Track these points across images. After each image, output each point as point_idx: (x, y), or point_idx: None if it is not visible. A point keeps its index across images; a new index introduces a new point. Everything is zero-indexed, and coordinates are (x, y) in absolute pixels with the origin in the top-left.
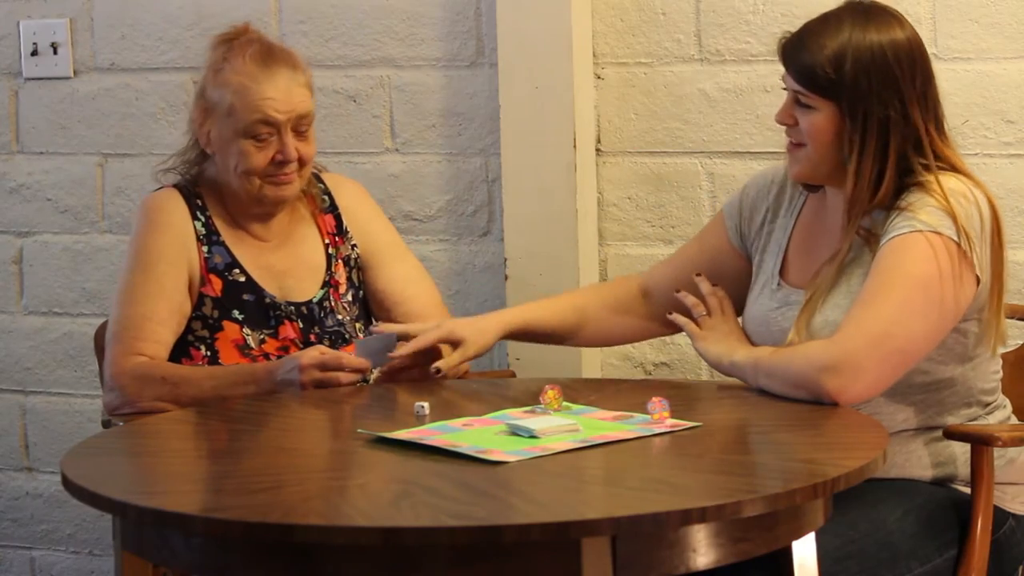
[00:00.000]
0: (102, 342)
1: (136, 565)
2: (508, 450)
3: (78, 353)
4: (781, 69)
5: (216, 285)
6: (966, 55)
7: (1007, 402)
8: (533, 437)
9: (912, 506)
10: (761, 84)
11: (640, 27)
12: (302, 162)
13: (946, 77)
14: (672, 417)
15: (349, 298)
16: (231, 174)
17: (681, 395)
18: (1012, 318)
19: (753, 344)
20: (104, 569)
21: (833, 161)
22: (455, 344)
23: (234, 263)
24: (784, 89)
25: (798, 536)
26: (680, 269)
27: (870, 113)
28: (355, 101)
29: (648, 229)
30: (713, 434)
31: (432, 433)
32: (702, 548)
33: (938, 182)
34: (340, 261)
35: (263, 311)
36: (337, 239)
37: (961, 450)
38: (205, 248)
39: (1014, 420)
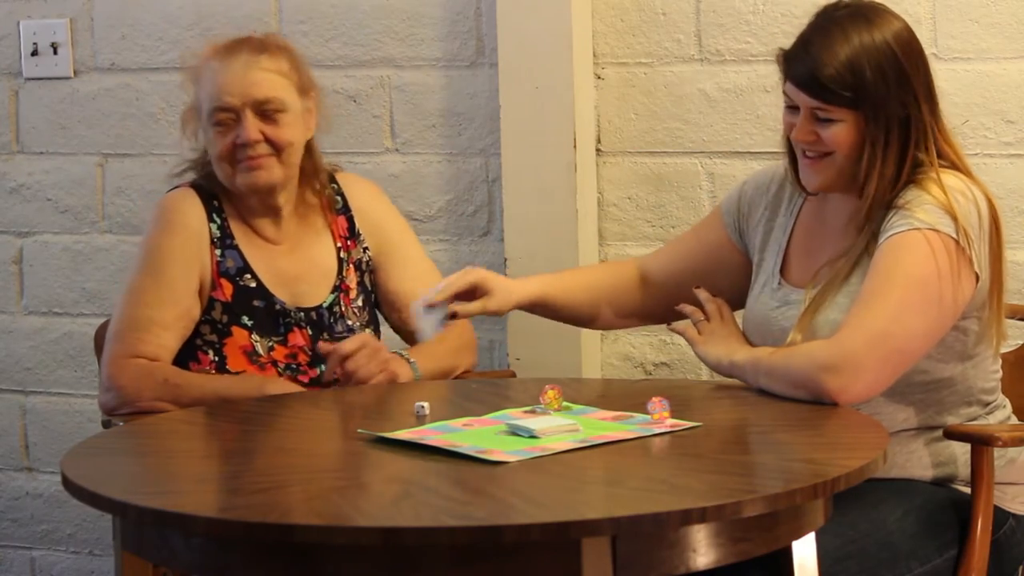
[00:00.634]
0: (102, 342)
1: (136, 565)
2: (508, 450)
3: (78, 353)
4: None
5: (227, 290)
6: (966, 55)
7: (1007, 402)
8: (533, 437)
9: (912, 506)
10: (761, 84)
11: (640, 27)
12: (276, 147)
13: (946, 77)
14: (672, 417)
15: (360, 303)
16: (214, 166)
17: (681, 395)
18: (1012, 318)
19: (753, 345)
20: (104, 569)
21: (856, 167)
22: (481, 293)
23: (246, 268)
24: (790, 106)
25: (798, 536)
26: (678, 260)
27: (891, 114)
28: (355, 101)
29: (648, 229)
30: (713, 434)
31: (432, 433)
32: (702, 548)
33: (938, 179)
34: (351, 265)
35: (273, 318)
36: (349, 242)
37: (961, 450)
38: (218, 251)
39: (1014, 420)
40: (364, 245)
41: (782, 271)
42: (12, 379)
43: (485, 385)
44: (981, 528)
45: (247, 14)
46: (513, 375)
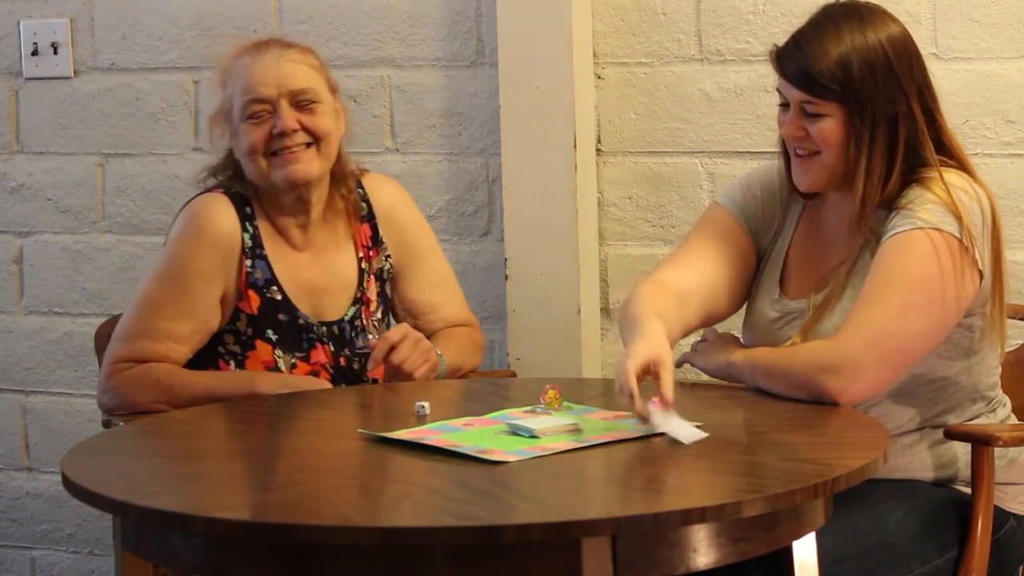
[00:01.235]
0: (102, 342)
1: (136, 565)
2: (508, 450)
3: (78, 353)
4: None
5: (253, 302)
6: (966, 55)
7: (1007, 400)
8: (533, 437)
9: (913, 506)
10: (761, 84)
11: (640, 27)
12: (314, 136)
13: (946, 77)
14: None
15: (379, 315)
16: (246, 164)
17: (681, 395)
18: (1012, 318)
19: None
20: (104, 569)
21: (845, 164)
22: (655, 366)
23: (273, 279)
24: (782, 104)
25: (798, 536)
26: (704, 273)
27: (878, 112)
28: (355, 101)
29: (648, 229)
30: (713, 434)
31: (432, 433)
32: (702, 548)
33: (941, 178)
34: (372, 276)
35: (296, 333)
36: (371, 251)
37: (962, 450)
38: (248, 262)
39: (1014, 419)
40: (386, 253)
41: (781, 283)
42: (12, 379)
43: (485, 385)
44: (982, 528)
45: (247, 14)
46: (513, 375)
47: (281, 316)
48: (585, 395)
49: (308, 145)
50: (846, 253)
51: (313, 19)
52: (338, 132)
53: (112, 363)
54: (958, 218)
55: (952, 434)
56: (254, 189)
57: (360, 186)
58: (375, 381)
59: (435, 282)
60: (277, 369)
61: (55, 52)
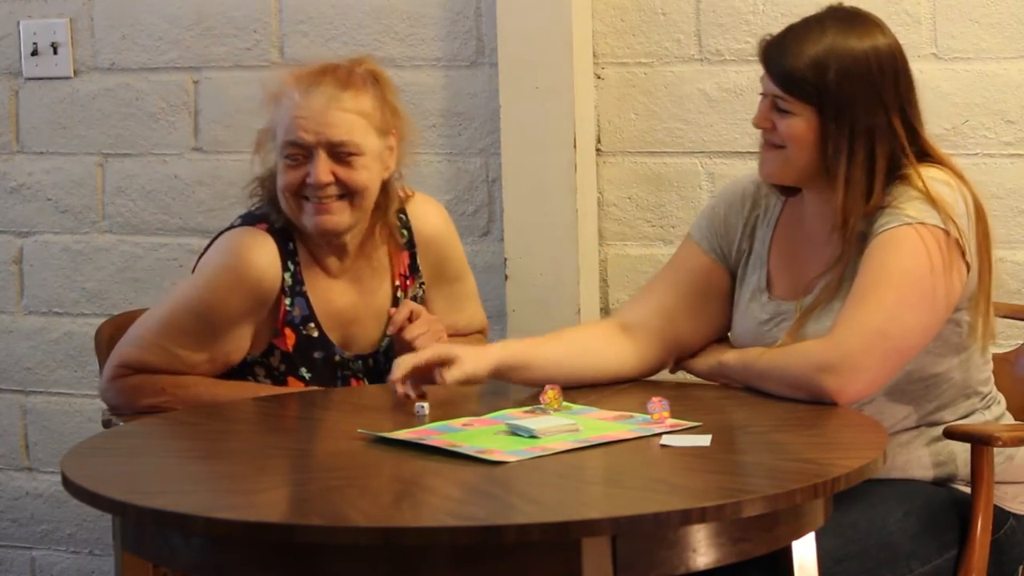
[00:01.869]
0: (102, 342)
1: (136, 565)
2: (508, 450)
3: (78, 353)
4: None
5: (289, 340)
6: (966, 55)
7: (1001, 397)
8: (533, 437)
9: (913, 506)
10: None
11: (640, 27)
12: (349, 190)
13: (946, 77)
14: (672, 417)
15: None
16: (279, 196)
17: (681, 395)
18: (1012, 318)
19: None
20: (104, 569)
21: (811, 165)
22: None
23: (311, 316)
24: (762, 94)
25: (798, 536)
26: (661, 298)
27: (856, 121)
28: None
29: (648, 229)
30: (713, 434)
31: (432, 433)
32: (702, 548)
33: (918, 174)
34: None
35: (331, 369)
36: (408, 280)
37: (961, 449)
38: (287, 300)
39: (1009, 417)
40: (421, 281)
41: (768, 285)
42: (12, 379)
43: (485, 385)
44: (981, 528)
45: (247, 14)
46: None
47: (316, 354)
48: (585, 395)
49: (341, 197)
50: (831, 256)
51: (313, 19)
52: (382, 175)
53: (117, 365)
54: (943, 211)
55: (952, 434)
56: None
57: (403, 210)
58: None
59: (459, 306)
60: None
61: (55, 52)
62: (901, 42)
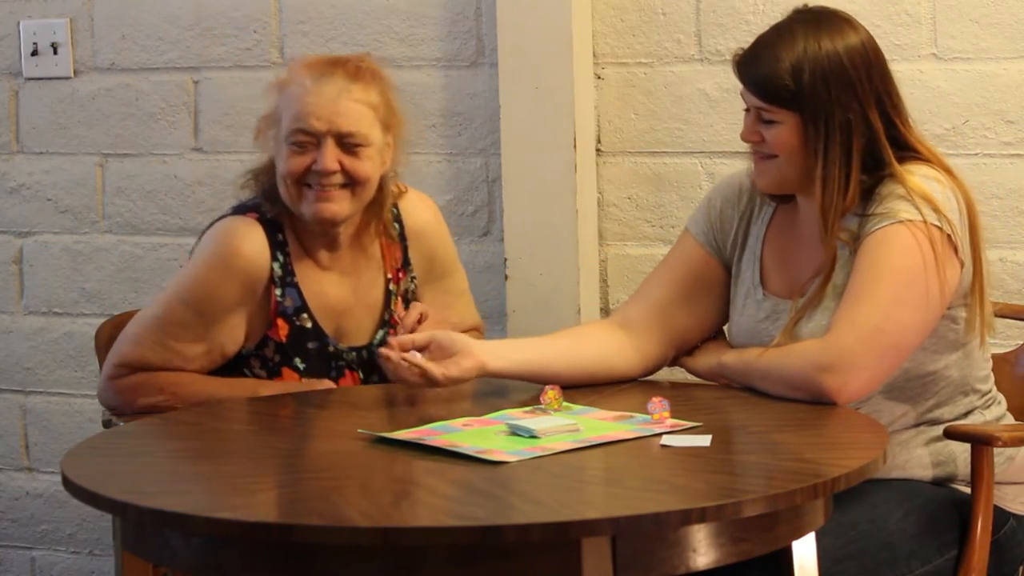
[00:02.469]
0: (102, 342)
1: (136, 565)
2: (508, 450)
3: (78, 353)
4: None
5: (282, 331)
6: (966, 55)
7: (1002, 398)
8: (533, 437)
9: (913, 506)
10: None
11: (640, 27)
12: (352, 180)
13: (946, 77)
14: (672, 417)
15: None
16: (279, 183)
17: (681, 395)
18: (1012, 318)
19: None
20: (104, 569)
21: (801, 171)
22: (449, 352)
23: (303, 307)
24: (745, 109)
25: (798, 536)
26: (657, 293)
27: (831, 119)
28: None
29: (648, 229)
30: (713, 434)
31: (432, 433)
32: (702, 548)
33: (908, 172)
34: (399, 298)
35: (325, 360)
36: (400, 273)
37: (961, 449)
38: (278, 291)
39: (1009, 417)
40: (412, 275)
41: (762, 281)
42: (12, 379)
43: (485, 385)
44: (981, 528)
45: (247, 14)
46: None
47: (310, 344)
48: (585, 395)
49: (343, 186)
50: (820, 258)
51: (313, 19)
52: (381, 170)
53: (115, 365)
54: (934, 207)
55: (952, 434)
56: (287, 208)
57: (395, 205)
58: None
59: (450, 301)
60: None
61: (55, 52)
62: (901, 42)
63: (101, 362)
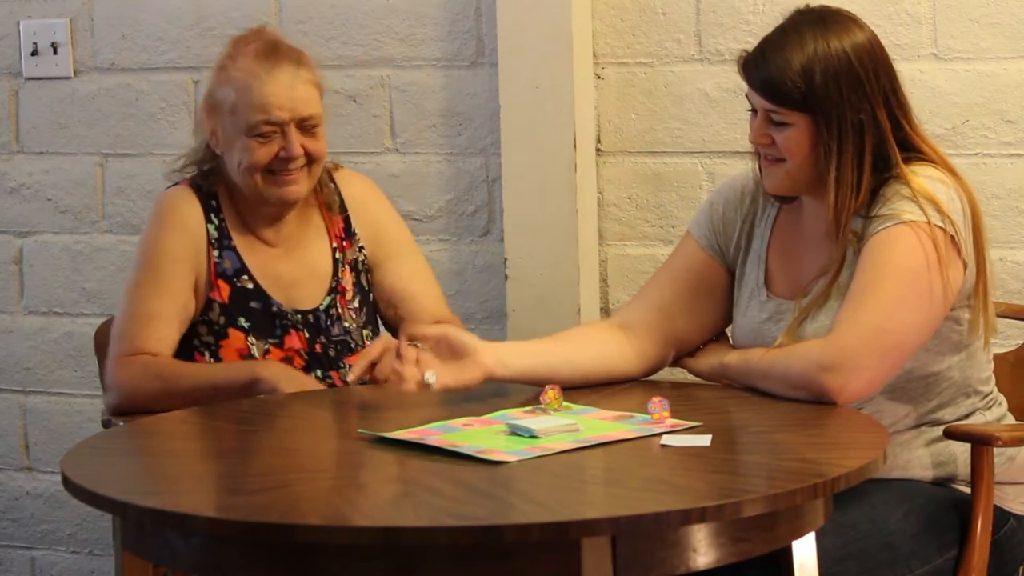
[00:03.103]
0: (102, 342)
1: (136, 565)
2: (508, 450)
3: (78, 353)
4: None
5: (224, 291)
6: (966, 55)
7: (1003, 398)
8: (533, 437)
9: (913, 506)
10: None
11: (640, 27)
12: (311, 159)
13: (946, 77)
14: (672, 417)
15: (356, 304)
16: (236, 172)
17: (681, 395)
18: (1012, 318)
19: None
20: (104, 569)
21: (812, 172)
22: (459, 353)
23: (243, 269)
24: (750, 110)
25: (798, 536)
26: (658, 296)
27: (843, 120)
28: (355, 101)
29: (648, 229)
30: (713, 434)
31: (432, 433)
32: (702, 548)
33: (912, 172)
34: (347, 266)
35: (269, 319)
36: (345, 243)
37: (961, 449)
38: (216, 252)
39: (1010, 417)
40: (360, 245)
41: (767, 282)
42: (12, 379)
43: (485, 385)
44: (981, 528)
45: (247, 14)
46: None
47: (253, 304)
48: (585, 395)
49: (304, 167)
50: (826, 259)
51: (313, 19)
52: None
53: (114, 360)
54: (938, 208)
55: (952, 434)
56: (224, 184)
57: (332, 180)
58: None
59: (412, 273)
60: (251, 356)
61: (55, 52)
62: (901, 42)
63: (101, 362)
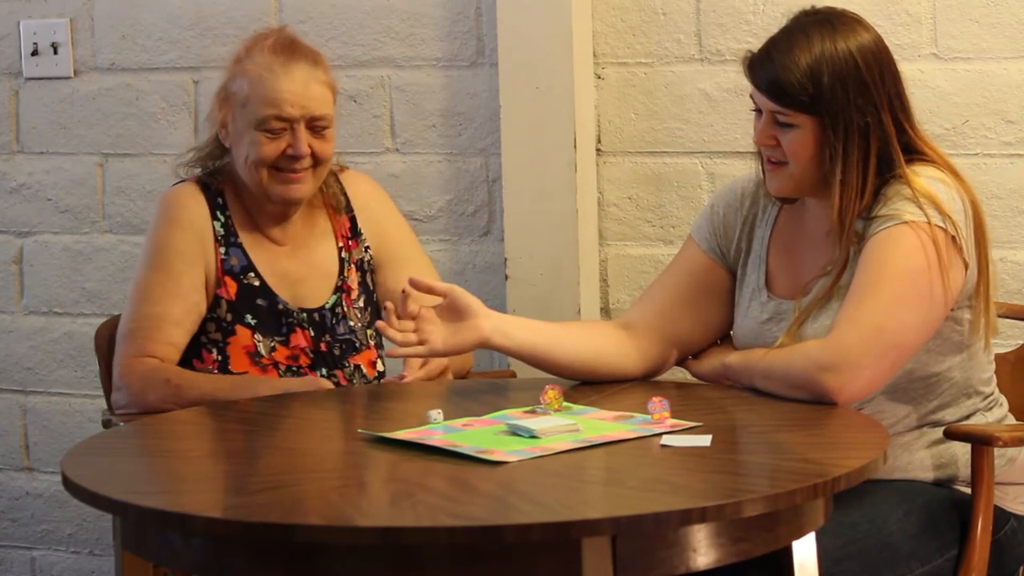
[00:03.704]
0: (102, 342)
1: (136, 565)
2: (508, 450)
3: (78, 353)
4: None
5: (231, 288)
6: (966, 55)
7: (1004, 399)
8: (533, 437)
9: (913, 507)
10: None
11: (640, 27)
12: (317, 160)
13: (946, 77)
14: (672, 417)
15: (361, 304)
16: (243, 166)
17: (682, 395)
18: (1012, 318)
19: None
20: (104, 569)
21: (816, 174)
22: (461, 314)
23: (250, 266)
24: (754, 111)
25: (798, 536)
26: (660, 299)
27: (850, 123)
28: (355, 101)
29: (648, 229)
30: (713, 434)
31: (432, 433)
32: (702, 548)
33: (914, 172)
34: (352, 265)
35: (275, 317)
36: (351, 242)
37: (962, 451)
38: (223, 249)
39: (1011, 418)
40: (365, 244)
41: (767, 283)
42: (12, 379)
43: (485, 385)
44: (981, 528)
45: (247, 14)
46: (513, 375)
47: (259, 301)
48: (585, 395)
49: (310, 167)
50: (829, 257)
51: (313, 19)
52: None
53: (122, 362)
54: (939, 208)
55: (952, 434)
56: (231, 183)
57: (338, 181)
58: (357, 367)
59: (416, 274)
60: (258, 354)
61: (55, 52)
62: (901, 42)
63: (101, 362)
